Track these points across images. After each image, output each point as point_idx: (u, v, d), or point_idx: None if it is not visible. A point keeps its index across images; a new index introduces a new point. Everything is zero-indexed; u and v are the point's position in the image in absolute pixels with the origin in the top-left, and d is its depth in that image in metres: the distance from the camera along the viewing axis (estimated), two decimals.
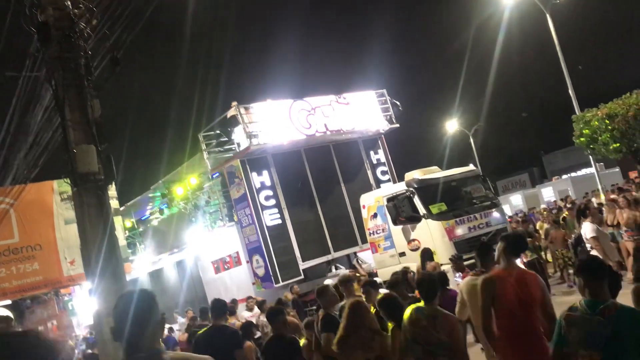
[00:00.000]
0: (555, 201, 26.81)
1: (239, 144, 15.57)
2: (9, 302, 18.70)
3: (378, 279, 11.22)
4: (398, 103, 17.87)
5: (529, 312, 4.64)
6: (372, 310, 6.00)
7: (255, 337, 9.44)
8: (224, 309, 6.97)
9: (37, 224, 16.50)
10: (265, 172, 15.62)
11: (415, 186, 12.91)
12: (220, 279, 17.55)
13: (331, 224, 16.21)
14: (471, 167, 15.72)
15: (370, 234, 14.18)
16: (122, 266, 6.99)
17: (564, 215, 15.92)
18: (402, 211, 12.82)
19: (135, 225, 24.27)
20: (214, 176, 17.70)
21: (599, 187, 23.00)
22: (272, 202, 15.47)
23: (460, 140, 43.34)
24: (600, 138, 22.44)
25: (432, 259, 10.54)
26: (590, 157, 24.29)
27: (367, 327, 5.57)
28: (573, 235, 12.41)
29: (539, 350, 4.53)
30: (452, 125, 42.44)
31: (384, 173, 17.73)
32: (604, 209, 12.70)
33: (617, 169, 33.54)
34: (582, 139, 23.24)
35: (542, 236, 14.90)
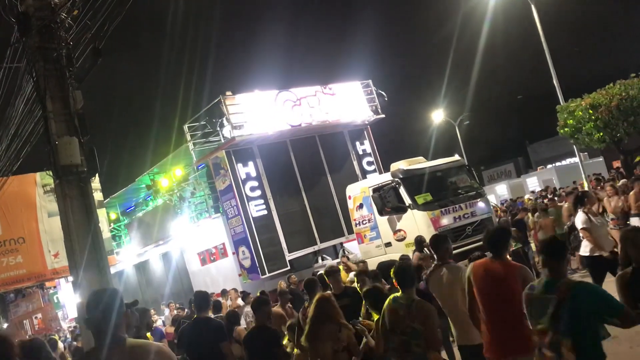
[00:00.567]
0: (540, 191, 27.02)
1: (224, 135, 15.49)
2: None
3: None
4: (384, 93, 17.88)
5: (508, 305, 4.64)
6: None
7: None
8: (207, 301, 6.95)
9: (20, 216, 16.40)
10: (250, 163, 15.58)
11: (401, 176, 12.93)
12: (206, 270, 17.53)
13: (317, 215, 16.24)
14: (456, 157, 15.77)
15: (356, 224, 14.20)
16: (106, 259, 6.94)
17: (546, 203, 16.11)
18: (387, 202, 12.84)
19: (120, 218, 24.14)
20: (199, 167, 17.63)
21: (583, 176, 23.20)
22: (258, 193, 15.45)
23: (446, 131, 43.48)
24: (584, 128, 22.62)
25: (421, 249, 10.50)
26: (575, 147, 24.49)
27: (333, 320, 5.60)
28: (568, 222, 12.46)
29: (519, 333, 4.53)
30: (437, 116, 42.52)
31: (369, 164, 17.76)
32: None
33: (601, 159, 33.81)
34: (566, 129, 23.41)
35: (531, 226, 14.99)
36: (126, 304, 4.09)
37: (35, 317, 26.98)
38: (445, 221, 12.51)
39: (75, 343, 13.21)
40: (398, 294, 5.13)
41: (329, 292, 6.59)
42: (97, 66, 7.06)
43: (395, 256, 12.48)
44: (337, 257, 15.57)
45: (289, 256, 15.36)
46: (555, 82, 22.86)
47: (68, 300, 25.33)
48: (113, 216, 23.51)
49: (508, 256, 5.24)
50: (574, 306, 3.78)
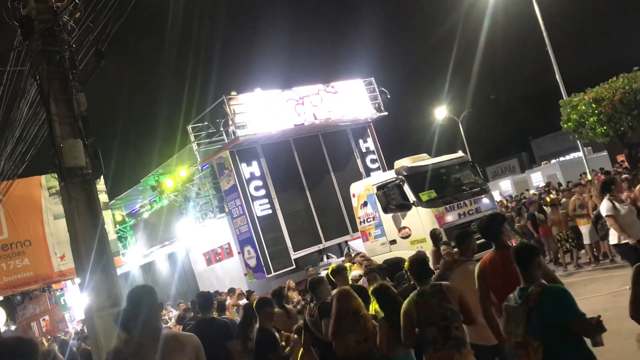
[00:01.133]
0: (543, 186, 26.94)
1: (227, 134, 15.51)
2: (0, 298, 18.60)
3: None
4: (386, 91, 17.87)
5: None
6: None
7: None
8: (210, 301, 6.96)
9: (26, 219, 16.43)
10: (254, 163, 15.60)
11: (405, 174, 12.92)
12: (212, 270, 17.55)
13: (321, 213, 16.23)
14: (460, 153, 15.72)
15: (360, 222, 14.20)
16: (112, 260, 6.98)
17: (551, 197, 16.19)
18: (392, 199, 12.83)
19: (126, 219, 24.19)
20: (203, 168, 17.65)
21: (587, 170, 23.11)
22: (262, 192, 15.46)
23: (449, 127, 43.40)
24: (587, 122, 22.52)
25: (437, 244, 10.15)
26: (578, 141, 24.41)
27: (353, 312, 5.73)
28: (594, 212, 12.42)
29: None
30: (441, 113, 42.46)
31: (373, 161, 17.75)
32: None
33: (605, 153, 33.69)
34: (569, 124, 23.30)
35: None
36: None
37: (43, 319, 27.09)
38: (450, 218, 12.49)
39: (83, 345, 13.23)
40: (418, 290, 5.14)
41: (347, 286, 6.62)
42: (100, 68, 7.09)
43: (400, 254, 12.51)
44: (342, 256, 15.57)
45: (294, 255, 15.36)
46: (557, 76, 22.81)
47: (75, 302, 25.42)
48: (118, 217, 23.55)
49: (512, 242, 5.23)
50: (541, 312, 3.73)
